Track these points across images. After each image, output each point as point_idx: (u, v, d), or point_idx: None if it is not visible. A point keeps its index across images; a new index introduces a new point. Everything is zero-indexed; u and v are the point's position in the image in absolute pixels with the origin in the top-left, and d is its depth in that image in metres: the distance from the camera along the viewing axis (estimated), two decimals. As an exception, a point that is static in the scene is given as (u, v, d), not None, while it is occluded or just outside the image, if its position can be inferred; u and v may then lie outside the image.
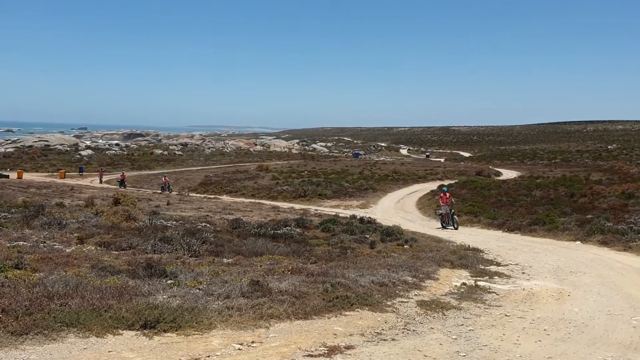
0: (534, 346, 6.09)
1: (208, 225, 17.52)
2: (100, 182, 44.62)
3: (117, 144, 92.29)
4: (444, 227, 22.19)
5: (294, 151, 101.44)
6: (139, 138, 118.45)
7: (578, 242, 16.84)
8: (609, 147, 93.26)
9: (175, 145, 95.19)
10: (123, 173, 46.11)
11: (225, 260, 10.96)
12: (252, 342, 5.61)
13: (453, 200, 23.57)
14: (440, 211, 23.23)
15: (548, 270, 11.62)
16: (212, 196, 36.80)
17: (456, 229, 21.56)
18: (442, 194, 23.60)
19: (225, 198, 35.89)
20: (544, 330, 6.82)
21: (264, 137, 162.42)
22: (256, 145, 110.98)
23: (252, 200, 33.95)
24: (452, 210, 22.46)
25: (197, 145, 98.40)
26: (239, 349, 5.37)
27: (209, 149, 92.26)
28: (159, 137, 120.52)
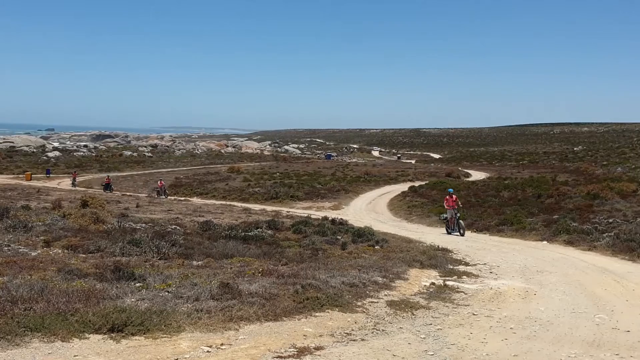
0: (500, 344, 6.20)
1: (178, 227, 17.35)
2: (74, 185, 42.71)
3: (85, 146, 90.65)
4: (448, 233, 20.51)
5: (265, 153, 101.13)
6: (108, 139, 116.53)
7: (545, 242, 17.18)
8: (575, 148, 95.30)
9: (145, 146, 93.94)
10: (108, 176, 44.31)
11: (195, 262, 10.87)
12: (221, 344, 5.58)
13: (460, 203, 21.38)
14: (445, 215, 21.43)
15: (515, 270, 11.83)
16: (182, 198, 36.45)
17: (462, 235, 19.67)
18: (447, 197, 21.53)
19: (195, 200, 35.59)
20: (511, 328, 6.95)
21: (235, 138, 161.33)
22: (227, 146, 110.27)
23: (223, 202, 33.73)
24: (458, 214, 20.57)
25: (168, 146, 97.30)
26: (207, 351, 5.34)
27: (179, 150, 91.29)
28: (129, 139, 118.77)
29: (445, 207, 21.40)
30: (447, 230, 20.99)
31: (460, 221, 20.33)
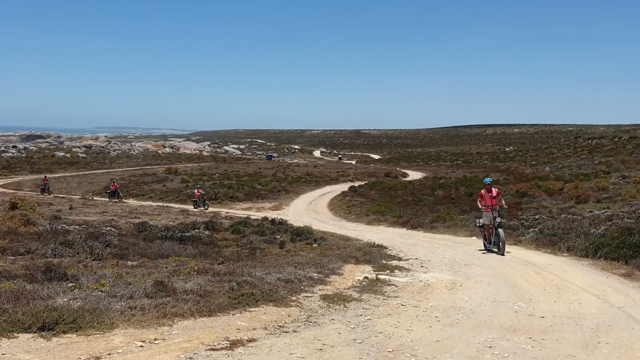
0: (424, 331, 6.57)
1: (113, 229, 17.04)
2: (49, 192, 38.02)
3: (14, 146, 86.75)
4: (486, 250, 14.54)
5: (205, 153, 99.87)
6: (39, 140, 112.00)
7: (474, 238, 17.94)
8: (506, 149, 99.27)
9: (79, 147, 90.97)
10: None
11: (130, 263, 10.78)
12: (155, 339, 5.67)
13: (503, 202, 15.28)
14: (481, 221, 14.94)
15: (445, 264, 12.38)
16: (117, 200, 35.60)
17: (501, 253, 13.68)
18: (482, 190, 14.95)
19: (131, 202, 34.88)
20: (435, 317, 7.34)
21: (173, 139, 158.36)
22: (165, 147, 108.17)
23: (161, 204, 33.24)
24: (499, 219, 14.25)
25: (102, 147, 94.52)
26: (140, 346, 5.41)
27: (114, 151, 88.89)
28: (61, 139, 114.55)
29: (481, 206, 14.79)
30: (484, 244, 14.86)
31: (500, 230, 13.96)
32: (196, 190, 32.90)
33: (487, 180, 15.34)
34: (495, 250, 14.11)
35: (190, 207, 30.96)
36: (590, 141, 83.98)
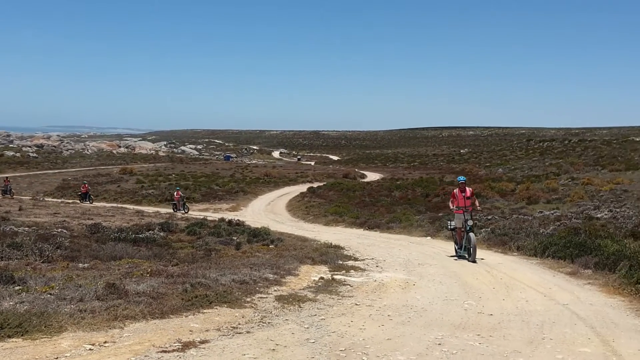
0: (376, 330, 6.68)
1: (64, 230, 16.64)
2: (10, 194, 36.37)
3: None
4: (457, 255, 13.48)
5: (161, 153, 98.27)
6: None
7: (428, 238, 18.30)
8: (461, 151, 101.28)
9: (30, 146, 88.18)
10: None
11: (81, 265, 10.56)
12: (105, 342, 5.58)
13: (477, 203, 14.19)
14: (453, 223, 13.94)
15: (399, 263, 12.57)
16: (70, 201, 34.74)
17: (472, 259, 12.57)
18: (456, 190, 13.81)
19: (85, 203, 34.04)
20: (388, 316, 7.47)
21: (128, 138, 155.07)
22: (120, 147, 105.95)
23: (115, 205, 32.60)
24: (470, 222, 13.13)
25: (55, 147, 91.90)
26: (90, 349, 5.32)
27: (67, 151, 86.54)
28: (11, 138, 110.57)
29: (452, 207, 13.75)
30: (455, 249, 13.77)
31: (471, 234, 12.83)
32: (175, 193, 31.15)
33: (461, 178, 14.09)
34: (466, 255, 13.05)
35: (145, 208, 30.43)
36: (541, 144, 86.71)
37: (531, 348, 6.09)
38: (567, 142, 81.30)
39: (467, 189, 13.71)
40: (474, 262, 12.49)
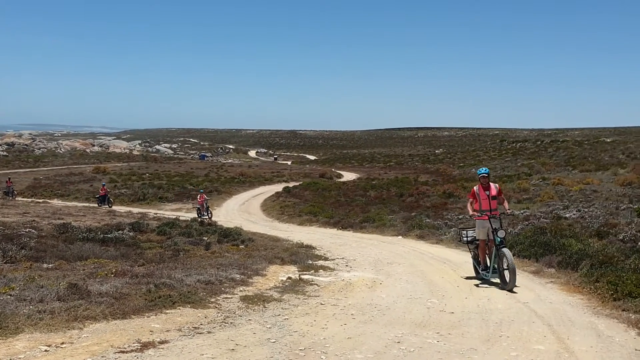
0: (338, 329, 6.74)
1: (33, 230, 16.38)
2: (13, 196, 34.75)
3: None
4: (478, 277, 10.24)
5: (135, 152, 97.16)
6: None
7: (400, 237, 18.45)
8: (436, 151, 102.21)
9: (0, 145, 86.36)
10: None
11: (45, 265, 10.43)
12: (62, 343, 5.54)
13: (506, 204, 10.23)
14: (471, 233, 10.58)
15: (369, 263, 12.68)
16: (40, 200, 34.19)
17: (511, 289, 9.07)
18: (477, 185, 10.23)
19: (56, 202, 33.56)
20: (352, 315, 7.54)
21: (102, 137, 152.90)
22: (94, 146, 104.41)
23: (87, 205, 32.13)
24: (503, 233, 9.56)
25: (27, 145, 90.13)
26: (45, 350, 5.28)
27: (39, 149, 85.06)
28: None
29: (471, 212, 10.22)
30: (477, 270, 10.30)
31: (506, 250, 9.34)
32: (199, 197, 27.59)
33: (483, 171, 10.23)
34: (497, 281, 9.59)
35: (117, 208, 30.07)
36: (514, 144, 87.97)
37: (487, 345, 6.21)
38: (539, 142, 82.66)
39: (491, 185, 10.11)
40: (512, 291, 9.06)
